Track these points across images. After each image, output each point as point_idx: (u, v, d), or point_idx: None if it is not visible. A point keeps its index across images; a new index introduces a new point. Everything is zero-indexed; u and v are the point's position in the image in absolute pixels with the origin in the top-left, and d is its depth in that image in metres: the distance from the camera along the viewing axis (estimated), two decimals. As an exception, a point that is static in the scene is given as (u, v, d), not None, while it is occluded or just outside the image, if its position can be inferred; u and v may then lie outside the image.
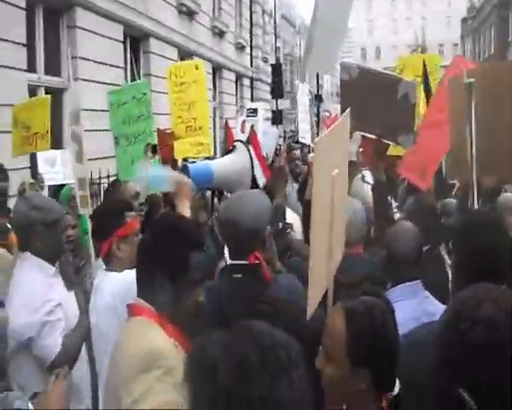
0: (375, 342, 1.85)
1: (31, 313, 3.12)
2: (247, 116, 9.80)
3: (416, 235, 3.18)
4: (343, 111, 5.30)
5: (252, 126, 7.40)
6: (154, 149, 5.86)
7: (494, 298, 1.35)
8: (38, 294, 3.20)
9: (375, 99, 4.59)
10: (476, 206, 3.92)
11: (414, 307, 2.80)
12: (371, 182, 4.63)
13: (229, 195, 3.99)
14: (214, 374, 1.19)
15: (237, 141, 3.99)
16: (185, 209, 2.93)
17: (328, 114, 14.53)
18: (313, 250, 2.28)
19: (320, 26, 5.17)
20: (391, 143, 4.74)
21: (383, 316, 1.90)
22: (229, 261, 2.87)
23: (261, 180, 4.86)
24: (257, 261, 2.75)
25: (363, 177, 5.96)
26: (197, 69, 7.75)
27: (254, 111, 10.03)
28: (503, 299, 1.36)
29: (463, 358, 1.32)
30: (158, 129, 6.77)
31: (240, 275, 2.74)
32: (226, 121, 9.18)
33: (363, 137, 5.31)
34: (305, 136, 9.82)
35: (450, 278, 3.37)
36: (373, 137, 4.73)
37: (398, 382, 1.93)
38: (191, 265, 2.17)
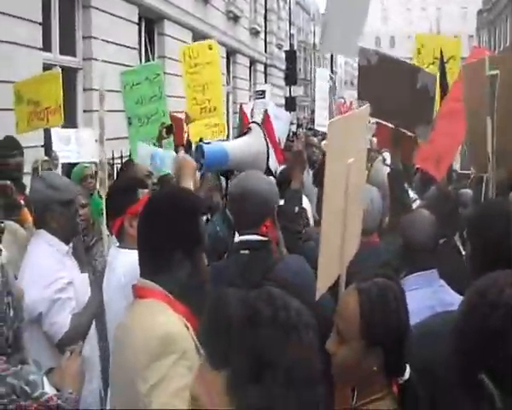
0: (388, 322, 1.87)
1: (42, 288, 3.13)
2: (256, 98, 9.79)
3: (433, 223, 3.16)
4: (360, 96, 5.28)
5: (266, 111, 7.37)
6: (168, 130, 5.83)
7: None
8: (51, 270, 3.22)
9: (393, 87, 4.55)
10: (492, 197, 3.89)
11: (429, 296, 2.79)
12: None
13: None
14: (228, 326, 1.21)
15: (253, 123, 3.95)
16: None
17: (342, 100, 14.47)
18: (324, 236, 2.27)
19: (340, 5, 5.11)
20: (408, 132, 4.71)
21: (396, 297, 1.92)
22: (237, 238, 2.88)
23: (273, 165, 4.83)
24: (265, 237, 2.77)
25: (383, 159, 5.93)
26: (211, 49, 7.71)
27: (263, 93, 10.03)
28: None
29: (484, 343, 1.33)
30: (170, 113, 6.74)
31: (247, 251, 2.74)
32: (241, 105, 9.14)
33: (378, 125, 5.28)
34: (323, 122, 9.75)
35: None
36: (389, 125, 4.70)
37: (408, 368, 1.92)
38: (201, 232, 2.17)
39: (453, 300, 2.84)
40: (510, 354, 1.30)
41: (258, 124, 3.88)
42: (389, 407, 1.89)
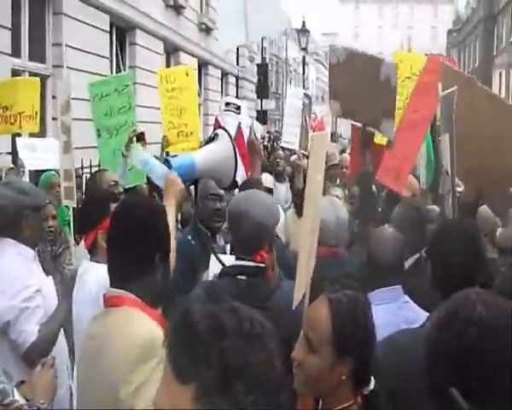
0: (358, 332, 1.90)
1: (9, 297, 3.07)
2: (228, 110, 9.70)
3: (399, 240, 3.18)
4: (332, 95, 5.29)
5: (239, 125, 7.38)
6: (139, 138, 5.79)
7: (485, 301, 1.38)
8: (18, 279, 3.16)
9: (360, 83, 4.58)
10: (452, 215, 3.92)
11: (393, 312, 2.81)
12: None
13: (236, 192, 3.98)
14: (194, 338, 1.22)
15: (219, 128, 3.95)
16: (172, 209, 2.86)
17: (314, 116, 14.51)
18: (301, 248, 2.29)
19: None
20: (374, 130, 4.74)
21: (364, 307, 1.96)
22: (233, 262, 2.82)
23: (242, 175, 4.84)
24: (262, 264, 2.74)
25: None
26: (187, 76, 7.76)
27: (238, 108, 9.93)
28: (493, 302, 1.38)
29: (457, 361, 1.33)
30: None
31: (244, 277, 2.71)
32: (216, 118, 9.12)
33: (353, 128, 5.31)
34: (291, 140, 9.71)
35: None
36: (358, 125, 4.73)
37: (372, 379, 1.95)
38: (166, 246, 2.23)
39: (417, 317, 2.86)
40: (483, 372, 1.31)
41: (224, 129, 3.87)
42: None
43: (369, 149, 4.66)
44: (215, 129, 8.71)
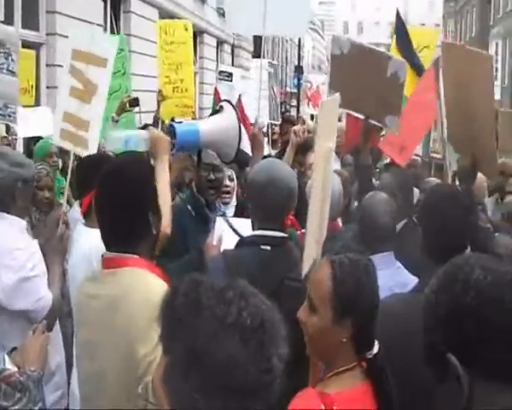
0: (358, 293, 1.92)
1: (17, 270, 3.05)
2: (221, 79, 9.62)
3: (391, 207, 3.20)
4: (331, 87, 5.26)
5: (239, 96, 7.34)
6: (132, 103, 5.75)
7: (484, 265, 1.38)
8: (19, 250, 3.12)
9: (364, 76, 4.53)
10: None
11: (387, 278, 2.82)
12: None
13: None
14: (171, 312, 1.21)
15: (224, 101, 3.91)
16: (165, 165, 2.84)
17: (309, 85, 14.43)
18: (310, 216, 2.30)
19: None
20: (378, 124, 4.70)
21: (367, 270, 1.98)
22: (257, 232, 2.73)
23: (246, 145, 4.81)
24: (285, 234, 2.69)
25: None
26: (186, 30, 7.69)
27: (230, 75, 9.81)
28: (492, 266, 1.39)
29: (455, 322, 1.35)
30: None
31: (268, 247, 2.64)
32: (215, 87, 9.06)
33: (348, 116, 5.27)
34: (262, 113, 9.60)
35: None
36: (360, 116, 4.69)
37: (376, 342, 1.96)
38: (156, 202, 2.23)
39: (411, 282, 2.88)
40: (480, 336, 1.32)
41: (229, 102, 3.83)
42: (357, 379, 1.94)
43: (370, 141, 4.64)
44: (214, 99, 8.68)
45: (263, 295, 1.25)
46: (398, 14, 6.92)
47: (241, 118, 5.72)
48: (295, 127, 5.12)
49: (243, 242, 2.78)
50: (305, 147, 5.25)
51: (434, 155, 5.89)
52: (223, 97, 7.87)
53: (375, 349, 1.94)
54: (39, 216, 4.61)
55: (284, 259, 2.64)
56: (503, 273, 1.39)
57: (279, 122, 10.10)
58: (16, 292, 3.02)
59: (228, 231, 3.28)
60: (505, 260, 2.71)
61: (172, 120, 5.50)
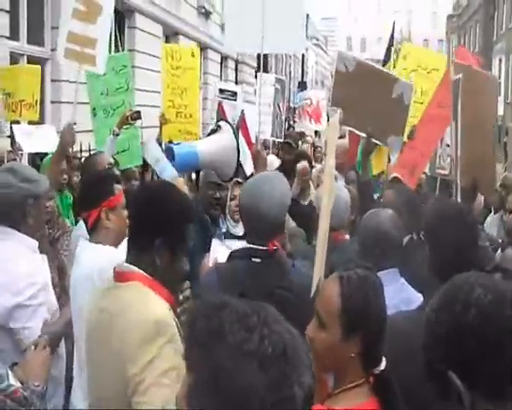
0: (367, 309, 1.93)
1: (14, 294, 3.00)
2: (223, 98, 9.57)
3: (396, 223, 3.19)
4: (334, 102, 5.28)
5: (242, 112, 7.33)
6: (135, 116, 5.75)
7: (484, 284, 1.39)
8: (23, 275, 3.07)
9: (368, 95, 4.55)
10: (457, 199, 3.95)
11: (393, 294, 2.81)
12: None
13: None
14: (192, 333, 1.21)
15: (222, 120, 3.95)
16: None
17: (308, 102, 14.41)
18: (319, 234, 2.32)
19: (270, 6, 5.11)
20: (379, 143, 4.72)
21: (375, 286, 1.99)
22: (246, 245, 2.81)
23: (250, 169, 4.82)
24: (275, 247, 2.75)
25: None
26: (193, 56, 7.70)
27: (234, 94, 9.79)
28: (492, 285, 1.39)
29: (455, 340, 1.35)
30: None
31: (259, 260, 2.71)
32: (219, 103, 9.02)
33: (350, 133, 5.29)
34: (263, 129, 9.57)
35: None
36: (362, 134, 4.70)
37: (384, 359, 1.96)
38: (188, 236, 2.27)
39: (415, 298, 2.87)
40: (480, 353, 1.32)
41: (227, 121, 3.88)
42: (365, 396, 1.93)
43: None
44: (218, 115, 8.67)
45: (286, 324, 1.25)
46: (393, 28, 7.01)
47: (245, 134, 5.72)
48: (299, 166, 5.17)
49: (234, 255, 2.86)
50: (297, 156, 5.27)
51: (441, 171, 5.89)
52: (228, 116, 7.87)
53: (383, 365, 1.95)
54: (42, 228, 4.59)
55: (274, 270, 2.71)
56: (504, 291, 1.39)
57: (282, 140, 10.08)
58: (10, 314, 2.99)
59: (223, 253, 3.31)
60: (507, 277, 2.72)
61: (170, 142, 5.50)
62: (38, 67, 6.67)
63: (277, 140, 10.01)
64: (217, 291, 2.59)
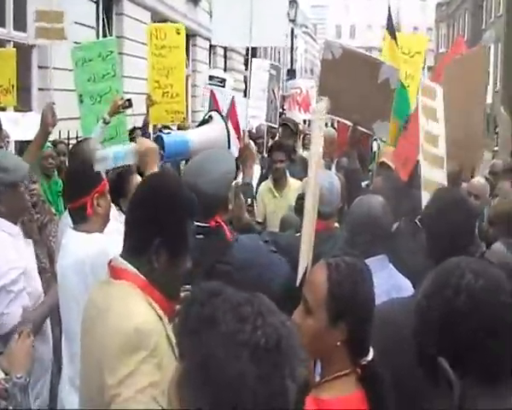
0: (354, 297, 1.91)
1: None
2: (212, 84, 9.53)
3: (385, 209, 3.19)
4: (321, 91, 5.27)
5: (232, 98, 7.31)
6: (126, 105, 5.71)
7: (475, 269, 1.37)
8: (2, 260, 3.09)
9: (355, 82, 4.55)
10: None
11: (383, 281, 2.81)
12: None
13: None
14: (184, 321, 1.19)
15: (213, 110, 3.93)
16: None
17: (298, 90, 14.36)
18: (305, 224, 2.30)
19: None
20: (366, 131, 4.71)
21: (363, 273, 1.98)
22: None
23: (235, 151, 4.82)
24: (217, 224, 2.81)
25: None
26: (178, 34, 7.61)
27: (223, 81, 9.76)
28: (483, 270, 1.38)
29: (446, 325, 1.33)
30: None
31: (202, 236, 2.72)
32: (212, 91, 8.97)
33: (339, 122, 5.28)
34: (257, 114, 9.55)
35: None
36: (349, 123, 4.70)
37: (372, 349, 1.94)
38: (188, 232, 2.12)
39: (404, 284, 2.87)
40: (470, 339, 1.30)
41: (218, 112, 3.86)
42: (353, 386, 1.91)
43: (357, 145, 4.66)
44: (211, 104, 8.62)
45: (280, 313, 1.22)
46: (389, 13, 7.00)
47: (233, 121, 5.70)
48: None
49: None
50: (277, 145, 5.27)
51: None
52: (220, 105, 7.82)
53: (370, 356, 1.93)
54: (29, 214, 4.54)
55: (216, 245, 2.77)
56: (495, 277, 1.38)
57: (276, 126, 10.09)
58: None
59: None
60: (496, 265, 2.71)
61: (160, 130, 5.49)
62: (13, 50, 6.56)
63: (271, 125, 10.02)
64: None
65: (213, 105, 8.27)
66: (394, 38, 6.22)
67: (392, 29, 6.59)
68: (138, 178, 3.44)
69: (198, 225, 2.72)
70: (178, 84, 7.65)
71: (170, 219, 2.07)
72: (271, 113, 9.93)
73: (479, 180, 4.69)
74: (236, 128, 6.23)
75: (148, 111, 7.18)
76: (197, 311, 1.17)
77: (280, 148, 6.14)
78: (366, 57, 4.91)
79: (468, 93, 3.99)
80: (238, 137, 5.96)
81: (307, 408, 1.79)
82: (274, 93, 10.27)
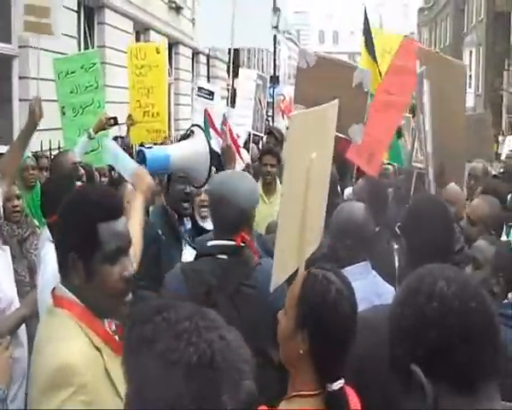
0: (319, 308, 1.93)
1: None
2: (200, 96, 9.51)
3: (366, 216, 3.20)
4: (297, 99, 5.29)
5: (224, 115, 7.30)
6: (111, 123, 5.71)
7: (447, 276, 1.37)
8: None
9: (329, 88, 4.58)
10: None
11: (365, 288, 2.81)
12: None
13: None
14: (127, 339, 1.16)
15: (194, 125, 3.93)
16: (140, 204, 2.80)
17: (282, 97, 14.41)
18: (281, 230, 2.23)
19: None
20: (341, 135, 4.75)
21: (340, 291, 1.97)
22: (212, 242, 2.81)
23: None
24: (242, 244, 2.74)
25: None
26: (158, 53, 7.64)
27: (211, 94, 9.74)
28: (455, 277, 1.37)
29: (418, 333, 1.33)
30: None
31: (225, 256, 2.71)
32: (206, 110, 8.92)
33: None
34: (242, 122, 9.58)
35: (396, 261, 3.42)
36: None
37: (342, 380, 1.92)
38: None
39: (387, 290, 2.87)
40: (444, 346, 1.30)
41: (199, 126, 3.88)
42: (316, 407, 1.90)
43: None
44: (206, 121, 8.59)
45: (230, 329, 1.17)
46: (365, 15, 7.08)
47: (232, 139, 5.70)
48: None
49: (201, 253, 2.86)
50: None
51: (417, 164, 5.92)
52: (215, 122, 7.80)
53: (338, 385, 1.90)
54: (10, 229, 4.51)
55: (240, 266, 2.72)
56: (467, 283, 1.38)
57: (262, 134, 10.16)
58: None
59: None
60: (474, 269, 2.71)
61: (141, 145, 5.50)
62: None
63: (256, 133, 10.09)
64: (183, 292, 2.57)
65: (209, 125, 8.25)
66: (372, 51, 6.28)
67: (369, 36, 6.66)
68: (130, 186, 3.43)
69: (222, 245, 2.74)
70: (160, 102, 7.69)
71: (77, 230, 1.94)
72: (257, 121, 9.98)
73: (453, 186, 4.70)
74: (235, 143, 6.20)
75: (128, 130, 7.18)
76: (138, 330, 1.13)
77: (271, 152, 6.12)
78: (339, 63, 5.01)
79: (447, 102, 4.01)
80: (238, 151, 5.95)
81: None
82: (260, 102, 10.34)
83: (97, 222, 1.93)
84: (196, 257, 2.88)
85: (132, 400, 1.11)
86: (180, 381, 1.06)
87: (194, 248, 3.32)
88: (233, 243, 2.73)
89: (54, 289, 2.00)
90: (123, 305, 1.97)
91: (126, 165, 3.04)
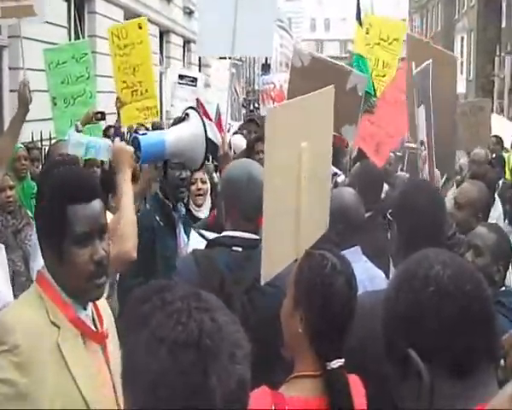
0: (312, 288, 1.95)
1: None
2: (182, 84, 9.44)
3: (357, 201, 3.21)
4: (291, 97, 5.27)
5: (217, 106, 7.26)
6: (99, 117, 5.69)
7: (443, 261, 1.37)
8: None
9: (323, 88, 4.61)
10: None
11: (357, 274, 2.81)
12: None
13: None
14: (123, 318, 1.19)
15: (190, 108, 3.90)
16: (127, 179, 2.75)
17: (272, 86, 14.33)
18: (268, 225, 2.18)
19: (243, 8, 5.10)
20: (333, 133, 4.79)
21: (333, 269, 1.99)
22: (227, 232, 2.67)
23: (217, 138, 4.86)
24: (257, 236, 2.59)
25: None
26: (140, 28, 7.46)
27: (194, 80, 9.65)
28: (451, 262, 1.37)
29: (414, 317, 1.33)
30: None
31: (240, 249, 2.58)
32: (197, 99, 8.83)
33: None
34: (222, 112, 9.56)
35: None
36: None
37: (342, 360, 1.93)
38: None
39: (379, 276, 2.89)
40: (440, 330, 1.30)
41: (194, 108, 3.84)
42: (317, 391, 1.91)
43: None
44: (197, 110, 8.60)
45: (223, 309, 1.17)
46: (357, 2, 7.13)
47: (205, 114, 5.69)
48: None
49: (214, 242, 2.72)
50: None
51: (409, 144, 5.92)
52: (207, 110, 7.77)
53: (337, 364, 1.91)
54: (5, 220, 4.52)
55: (256, 261, 2.59)
56: (463, 267, 1.38)
57: (240, 122, 10.04)
58: None
59: (203, 245, 3.24)
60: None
61: (136, 131, 5.48)
62: None
63: (231, 123, 10.10)
64: (196, 280, 2.44)
65: (202, 114, 8.22)
66: (360, 23, 6.33)
67: (359, 19, 6.73)
68: (145, 166, 3.41)
69: (236, 237, 2.61)
70: (147, 79, 7.49)
71: (48, 212, 1.95)
72: (235, 110, 9.94)
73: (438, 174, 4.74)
74: (209, 118, 6.20)
75: (118, 114, 7.11)
76: (136, 309, 1.15)
77: (262, 139, 6.08)
78: (335, 66, 5.03)
79: (438, 93, 4.04)
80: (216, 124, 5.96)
81: (264, 402, 1.83)
82: (235, 89, 10.26)
83: (67, 204, 1.91)
84: (208, 246, 2.73)
85: (125, 373, 1.13)
86: (166, 357, 1.08)
87: (200, 235, 3.23)
88: (249, 235, 2.60)
89: (40, 269, 2.04)
90: (96, 287, 1.97)
91: (97, 146, 2.96)
